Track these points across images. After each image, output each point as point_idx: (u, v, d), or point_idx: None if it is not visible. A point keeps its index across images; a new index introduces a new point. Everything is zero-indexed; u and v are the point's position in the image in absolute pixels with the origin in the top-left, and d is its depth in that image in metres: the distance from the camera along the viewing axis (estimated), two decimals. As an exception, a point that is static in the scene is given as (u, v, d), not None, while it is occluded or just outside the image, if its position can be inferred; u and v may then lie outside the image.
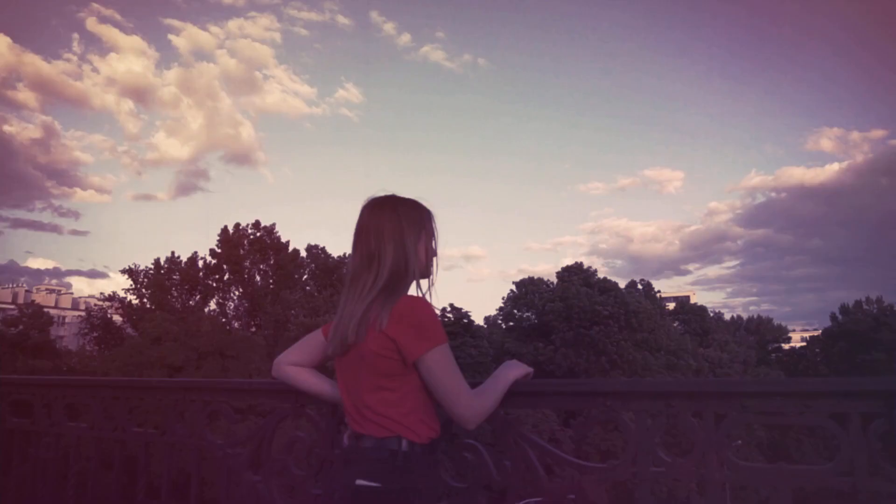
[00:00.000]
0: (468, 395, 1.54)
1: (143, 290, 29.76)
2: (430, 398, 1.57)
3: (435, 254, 1.70)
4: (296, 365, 1.83)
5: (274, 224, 31.48)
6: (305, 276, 32.41)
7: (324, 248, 33.66)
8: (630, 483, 1.65)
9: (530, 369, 1.76)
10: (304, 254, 32.66)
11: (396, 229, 1.60)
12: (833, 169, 78.36)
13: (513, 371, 1.71)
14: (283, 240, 31.39)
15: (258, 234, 31.05)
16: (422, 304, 1.56)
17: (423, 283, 1.66)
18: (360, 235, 1.63)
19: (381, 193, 1.70)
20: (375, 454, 1.50)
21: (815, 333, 50.20)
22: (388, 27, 74.27)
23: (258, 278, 30.84)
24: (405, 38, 72.74)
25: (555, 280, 36.63)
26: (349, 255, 1.69)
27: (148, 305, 28.75)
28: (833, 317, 44.04)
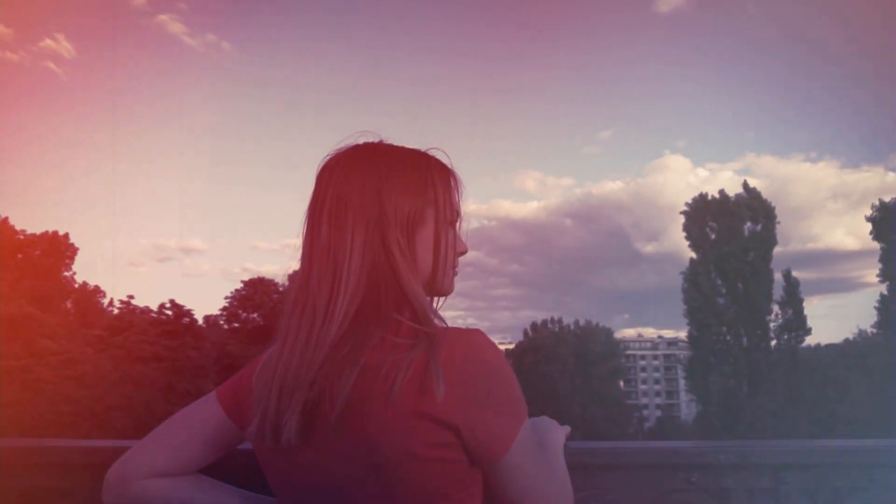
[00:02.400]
0: (560, 488, 0.95)
1: None
2: None
3: (459, 249, 1.00)
4: (163, 476, 0.98)
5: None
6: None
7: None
8: None
9: (568, 427, 1.19)
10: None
11: (372, 202, 0.89)
12: (532, 206, 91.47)
13: (555, 433, 1.14)
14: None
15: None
16: (486, 345, 0.84)
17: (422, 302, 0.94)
18: (312, 215, 0.93)
19: (361, 139, 0.98)
20: None
21: (510, 346, 57.22)
22: (118, -20, 64.97)
23: None
24: (138, -3, 64.27)
25: (287, 282, 35.68)
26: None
27: None
28: (525, 332, 50.83)
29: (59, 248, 33.70)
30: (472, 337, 0.83)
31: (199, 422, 1.00)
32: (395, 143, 0.99)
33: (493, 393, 0.82)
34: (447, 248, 0.95)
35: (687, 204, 28.03)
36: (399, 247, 0.89)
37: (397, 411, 0.78)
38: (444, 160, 1.01)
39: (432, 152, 1.00)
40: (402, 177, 0.93)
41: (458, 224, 1.01)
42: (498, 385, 0.83)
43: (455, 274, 1.00)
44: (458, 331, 0.84)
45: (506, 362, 0.85)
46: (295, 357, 0.84)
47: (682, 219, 27.94)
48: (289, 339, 0.87)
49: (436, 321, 0.87)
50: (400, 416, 0.78)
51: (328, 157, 0.97)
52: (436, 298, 0.99)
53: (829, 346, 32.35)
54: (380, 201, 0.90)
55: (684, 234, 27.77)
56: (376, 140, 1.00)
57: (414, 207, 0.91)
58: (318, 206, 0.93)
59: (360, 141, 0.98)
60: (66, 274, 34.42)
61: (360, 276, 0.87)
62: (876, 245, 23.43)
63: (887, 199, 22.82)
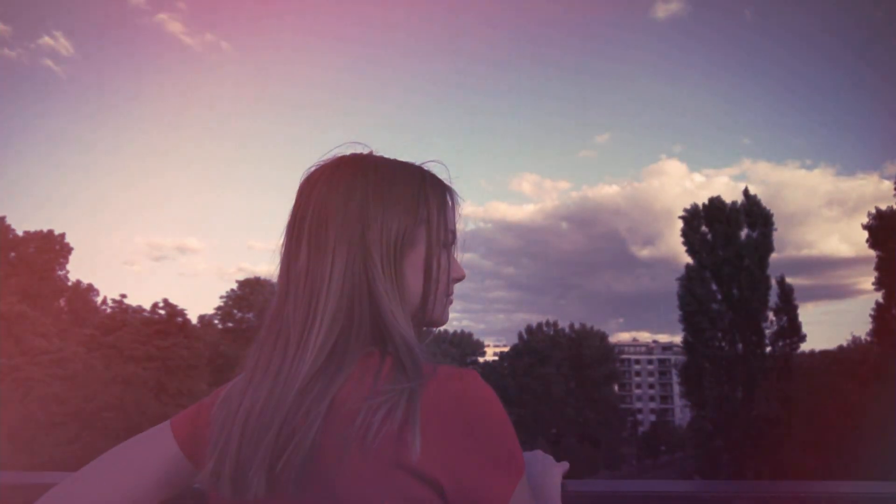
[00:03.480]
0: None
1: None
2: None
3: (455, 275, 0.89)
4: None
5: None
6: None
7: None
8: None
9: (566, 464, 1.05)
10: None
11: (355, 221, 0.79)
12: (529, 209, 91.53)
13: (552, 474, 1.01)
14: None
15: None
16: (478, 388, 0.73)
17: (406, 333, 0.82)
18: (291, 234, 0.84)
19: (348, 151, 0.88)
20: None
21: (505, 349, 57.21)
22: (116, -23, 64.70)
23: None
24: (137, -5, 63.97)
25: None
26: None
27: None
28: (520, 335, 50.74)
29: (53, 247, 33.51)
30: (463, 378, 0.73)
31: (146, 455, 0.87)
32: (388, 156, 0.89)
33: (484, 444, 0.70)
34: (440, 273, 0.84)
35: (685, 209, 28.01)
36: (383, 272, 0.79)
37: (372, 462, 0.68)
38: (443, 175, 0.90)
39: (428, 166, 0.89)
40: (390, 192, 0.82)
41: (454, 246, 0.89)
42: (490, 435, 0.71)
43: (450, 302, 0.89)
44: (447, 370, 0.74)
45: (501, 409, 0.73)
46: (262, 393, 0.74)
47: (677, 223, 27.97)
48: (257, 372, 0.77)
49: (423, 358, 0.76)
50: (374, 467, 0.68)
51: (311, 170, 0.88)
52: (426, 329, 0.88)
53: (823, 353, 32.39)
54: (364, 220, 0.80)
55: (682, 238, 27.74)
56: (366, 151, 0.89)
57: (403, 227, 0.81)
58: (297, 223, 0.83)
59: (348, 153, 0.89)
60: (59, 272, 34.21)
61: (339, 304, 0.77)
62: (871, 253, 23.47)
63: (884, 206, 22.85)
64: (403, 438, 0.68)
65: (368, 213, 0.80)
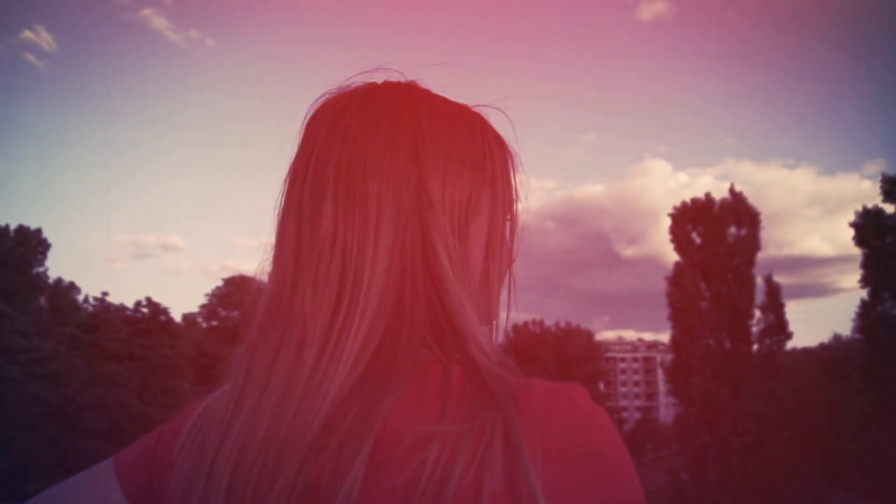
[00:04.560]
0: None
1: None
2: None
3: (510, 259, 0.66)
4: None
5: None
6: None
7: None
8: None
9: None
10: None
11: (408, 173, 0.57)
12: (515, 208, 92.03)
13: None
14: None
15: None
16: (600, 417, 0.53)
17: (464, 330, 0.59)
18: (302, 190, 0.59)
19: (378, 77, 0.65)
20: None
21: (491, 348, 57.22)
22: (98, -29, 63.62)
23: None
24: (119, -11, 62.93)
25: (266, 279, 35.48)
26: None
27: None
28: (505, 334, 50.72)
29: (29, 243, 32.88)
30: (574, 402, 0.51)
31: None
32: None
33: (621, 501, 0.49)
34: (504, 252, 0.63)
35: (674, 207, 28.09)
36: (447, 247, 0.56)
37: None
38: (505, 131, 0.67)
39: (484, 112, 0.66)
40: (450, 138, 0.59)
41: (511, 214, 0.66)
42: (627, 488, 0.50)
43: (499, 294, 0.66)
44: (545, 388, 0.51)
45: (622, 440, 0.53)
46: (263, 418, 0.50)
47: (662, 223, 28.07)
48: (251, 388, 0.52)
49: (507, 368, 0.53)
50: None
51: (326, 98, 0.62)
52: (495, 323, 0.67)
53: (806, 351, 32.75)
54: (420, 172, 0.56)
55: (670, 236, 27.81)
56: (403, 80, 0.64)
57: (468, 188, 0.59)
58: (313, 173, 0.57)
59: (380, 80, 0.64)
60: (38, 269, 33.56)
61: (387, 289, 0.54)
62: (853, 252, 23.64)
63: (870, 205, 23.00)
64: (516, 497, 0.45)
65: (427, 162, 0.57)
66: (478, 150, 0.61)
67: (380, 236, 0.54)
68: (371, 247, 0.54)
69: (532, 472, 0.45)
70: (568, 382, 0.54)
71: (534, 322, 51.06)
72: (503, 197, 0.63)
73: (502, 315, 0.68)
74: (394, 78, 0.64)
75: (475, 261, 0.60)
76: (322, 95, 0.63)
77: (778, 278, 27.17)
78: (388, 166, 0.56)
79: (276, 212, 0.61)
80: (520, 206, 0.67)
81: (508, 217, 0.64)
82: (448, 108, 0.63)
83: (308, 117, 0.62)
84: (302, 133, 0.61)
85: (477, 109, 0.66)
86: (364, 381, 0.51)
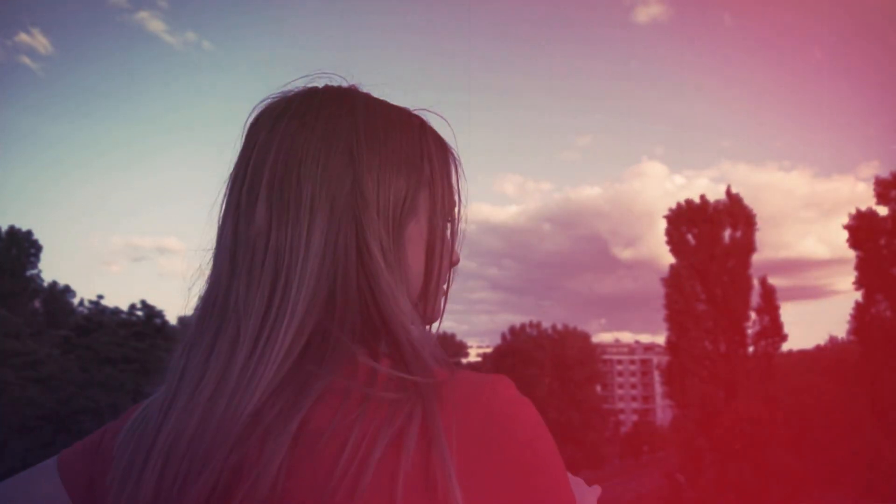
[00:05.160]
0: None
1: None
2: None
3: (451, 260, 0.68)
4: None
5: None
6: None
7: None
8: None
9: (597, 488, 0.83)
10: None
11: (342, 173, 0.58)
12: (512, 211, 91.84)
13: (588, 498, 0.79)
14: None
15: None
16: (519, 405, 0.53)
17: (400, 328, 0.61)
18: (240, 188, 0.61)
19: (319, 83, 0.66)
20: None
21: (488, 350, 57.24)
22: (94, -27, 63.48)
23: None
24: (115, -8, 62.79)
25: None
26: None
27: None
28: (503, 336, 50.76)
29: (21, 245, 32.78)
30: (497, 391, 0.52)
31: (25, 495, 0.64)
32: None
33: (537, 487, 0.49)
34: (444, 251, 0.64)
35: (670, 209, 28.13)
36: (381, 246, 0.57)
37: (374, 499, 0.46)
38: (444, 132, 0.68)
39: (423, 115, 0.67)
40: (387, 140, 0.61)
41: (454, 216, 0.67)
42: (545, 475, 0.50)
43: (445, 294, 0.68)
44: (470, 379, 0.53)
45: (547, 430, 0.53)
46: (194, 413, 0.51)
47: (658, 225, 28.15)
48: (185, 385, 0.53)
49: (436, 360, 0.55)
50: None
51: (267, 103, 0.64)
52: (432, 323, 0.68)
53: (801, 352, 32.82)
54: (355, 173, 0.58)
55: (666, 238, 27.85)
56: (345, 85, 0.65)
57: (404, 189, 0.60)
58: (250, 173, 0.59)
59: (319, 84, 0.66)
60: (32, 272, 33.45)
61: (318, 285, 0.55)
62: (847, 254, 23.72)
63: (864, 207, 23.10)
64: (431, 481, 0.46)
65: (361, 164, 0.58)
66: (415, 152, 0.62)
67: (312, 235, 0.56)
68: (303, 245, 0.55)
69: (448, 457, 0.46)
70: (494, 374, 0.54)
71: (531, 324, 51.15)
72: (442, 198, 0.64)
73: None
74: (335, 82, 0.66)
75: (414, 260, 0.62)
76: (264, 99, 0.65)
77: (773, 280, 27.24)
78: (322, 167, 0.57)
79: (217, 213, 0.63)
80: (462, 209, 0.68)
81: (449, 218, 0.66)
82: (386, 110, 0.64)
83: (249, 121, 0.64)
84: (243, 136, 0.63)
85: (427, 114, 0.68)
86: (293, 374, 0.52)
